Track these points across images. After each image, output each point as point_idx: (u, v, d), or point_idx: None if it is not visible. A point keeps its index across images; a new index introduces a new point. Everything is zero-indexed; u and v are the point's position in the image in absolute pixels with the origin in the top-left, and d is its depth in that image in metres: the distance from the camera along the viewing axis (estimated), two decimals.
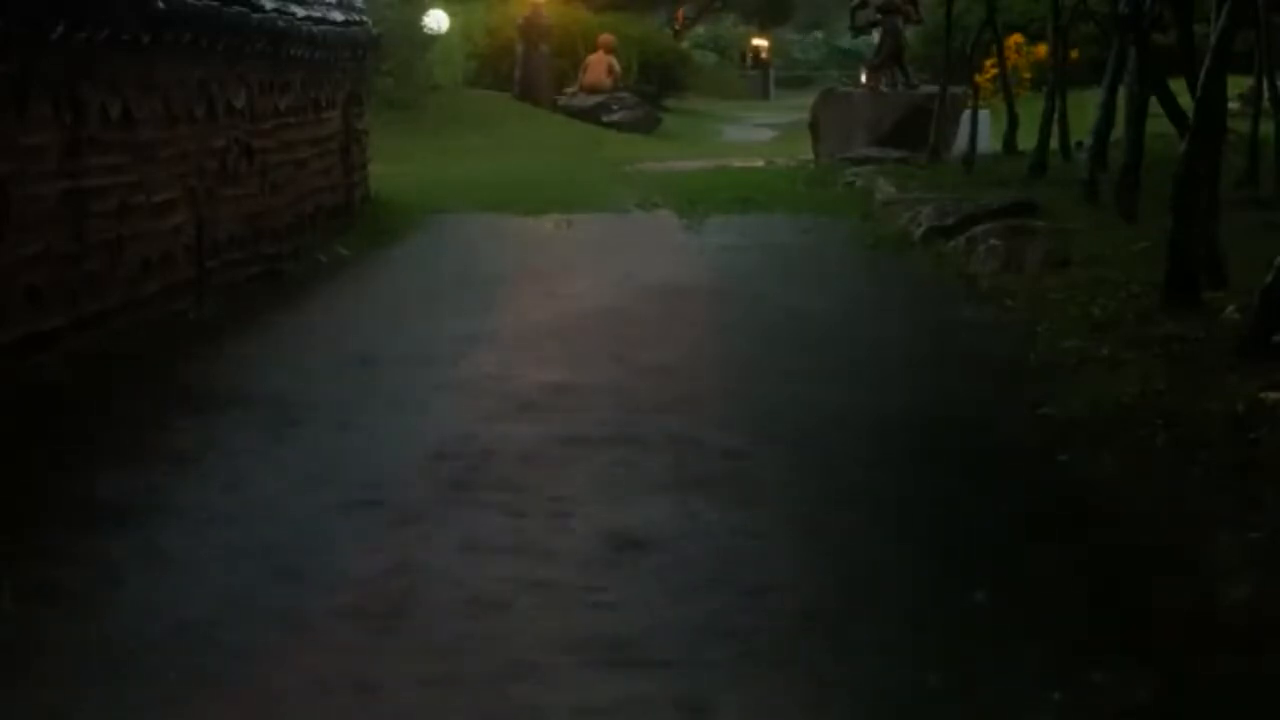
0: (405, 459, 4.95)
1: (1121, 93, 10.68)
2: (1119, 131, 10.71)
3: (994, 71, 17.28)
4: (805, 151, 17.10)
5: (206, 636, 3.45)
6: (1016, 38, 20.34)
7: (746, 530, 4.26)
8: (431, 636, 3.48)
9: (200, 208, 7.47)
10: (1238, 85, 11.03)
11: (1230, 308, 6.59)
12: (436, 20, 21.88)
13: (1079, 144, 13.11)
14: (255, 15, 8.05)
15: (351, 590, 3.75)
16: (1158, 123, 9.01)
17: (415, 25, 20.92)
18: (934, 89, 16.29)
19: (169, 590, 3.76)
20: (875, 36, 18.03)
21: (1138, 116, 9.65)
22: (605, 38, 24.57)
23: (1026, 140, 14.49)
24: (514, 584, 3.77)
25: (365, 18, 11.40)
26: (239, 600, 3.68)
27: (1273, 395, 5.09)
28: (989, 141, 15.88)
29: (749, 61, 45.67)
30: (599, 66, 23.91)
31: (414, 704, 3.14)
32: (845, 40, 34.53)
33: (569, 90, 23.97)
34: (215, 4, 7.35)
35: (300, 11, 9.16)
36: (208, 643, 3.42)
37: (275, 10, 8.48)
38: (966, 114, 15.50)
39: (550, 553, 4.05)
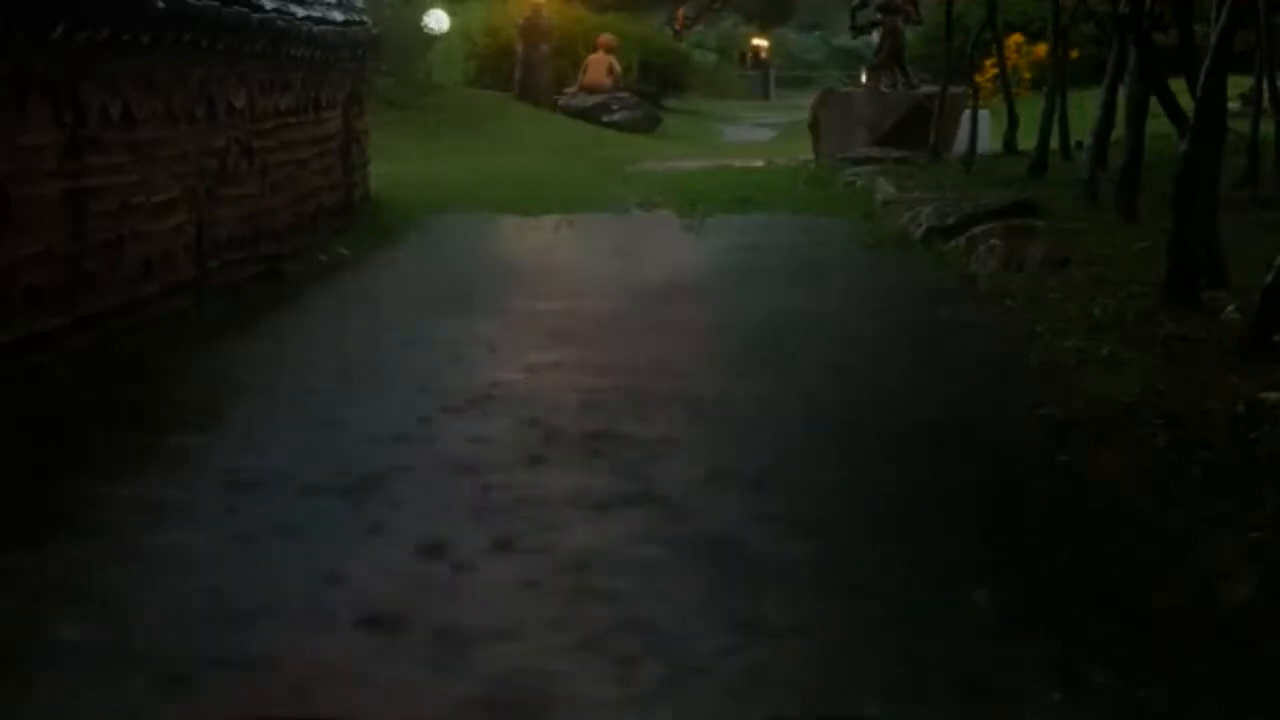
0: (404, 457, 4.96)
1: (1121, 93, 10.68)
2: (1119, 131, 10.72)
3: (994, 71, 17.29)
4: (805, 151, 17.11)
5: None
6: (1016, 38, 20.36)
7: (734, 536, 4.26)
8: None
9: (200, 208, 7.47)
10: (1238, 85, 11.03)
11: (1230, 308, 6.59)
12: (436, 20, 21.91)
13: (1079, 144, 13.11)
14: (255, 15, 8.05)
15: (345, 587, 3.76)
16: (1158, 123, 9.01)
17: (415, 25, 20.94)
18: (934, 89, 16.31)
19: (167, 590, 3.77)
20: (875, 36, 18.05)
21: (1138, 116, 9.66)
22: (605, 38, 24.58)
23: (1026, 140, 14.50)
24: None
25: (365, 18, 11.41)
26: (237, 607, 3.68)
27: (1273, 395, 5.09)
28: (989, 141, 15.88)
29: (749, 61, 45.68)
30: (599, 66, 23.92)
31: None
32: (845, 40, 34.55)
33: (569, 90, 23.97)
34: (215, 4, 7.35)
35: (300, 11, 9.16)
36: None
37: (275, 10, 8.48)
38: (966, 114, 15.51)
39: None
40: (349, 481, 4.65)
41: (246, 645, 3.38)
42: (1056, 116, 13.55)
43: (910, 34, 18.54)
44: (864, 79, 18.95)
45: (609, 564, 3.93)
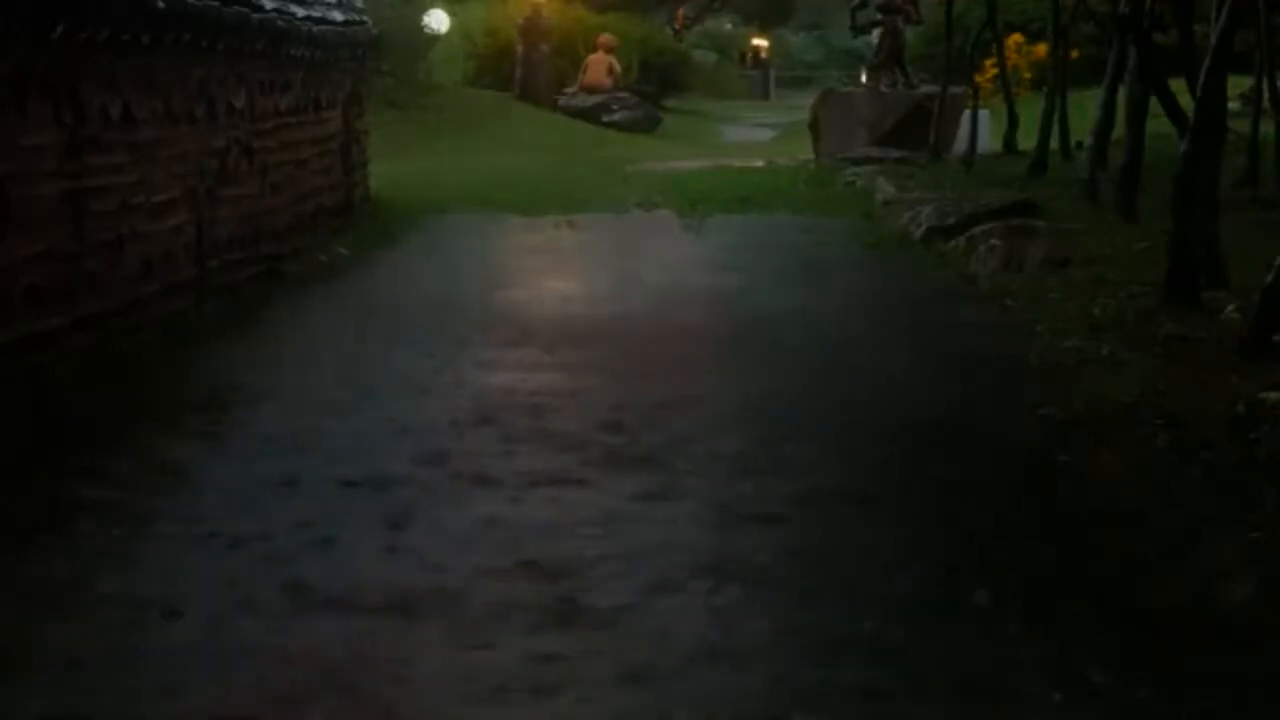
0: (401, 455, 4.96)
1: (1121, 93, 10.68)
2: (1119, 131, 10.72)
3: (994, 71, 17.29)
4: (805, 151, 17.11)
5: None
6: (1016, 38, 20.35)
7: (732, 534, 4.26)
8: None
9: (200, 208, 7.47)
10: (1238, 85, 11.03)
11: (1230, 308, 6.60)
12: (436, 20, 21.91)
13: (1079, 144, 13.11)
14: (255, 15, 8.05)
15: (353, 580, 3.77)
16: (1158, 123, 9.01)
17: (415, 25, 20.93)
18: (934, 89, 16.31)
19: (163, 593, 3.77)
20: (875, 36, 18.05)
21: (1138, 116, 9.66)
22: (605, 38, 24.58)
23: (1026, 140, 14.50)
24: None
25: (365, 18, 11.41)
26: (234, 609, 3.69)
27: (1273, 395, 5.09)
28: (989, 141, 15.88)
29: (749, 61, 45.68)
30: (599, 66, 23.91)
31: None
32: (846, 40, 34.55)
33: (569, 90, 23.97)
34: (215, 4, 7.35)
35: (300, 11, 9.16)
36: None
37: (275, 10, 8.48)
38: (966, 114, 15.51)
39: None
40: (348, 486, 4.65)
41: (237, 655, 3.38)
42: (1056, 116, 13.55)
43: (910, 34, 18.54)
44: (864, 79, 18.95)
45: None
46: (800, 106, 22.63)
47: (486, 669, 3.28)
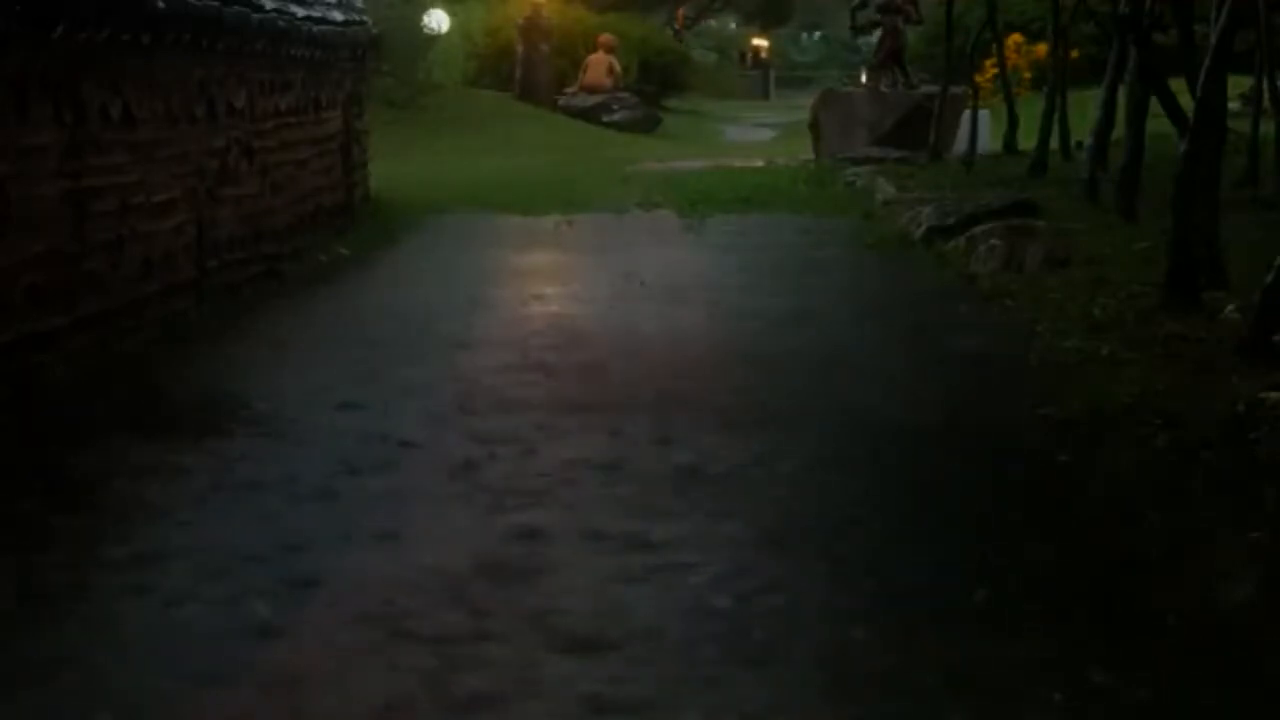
0: (406, 466, 4.96)
1: (1121, 92, 10.68)
2: (1119, 131, 10.72)
3: (994, 71, 17.31)
4: (805, 151, 17.12)
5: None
6: (1016, 37, 20.37)
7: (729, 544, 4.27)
8: None
9: (200, 208, 7.47)
10: (1238, 85, 11.03)
11: (1230, 308, 6.60)
12: (436, 20, 21.94)
13: (1079, 144, 13.11)
14: (255, 15, 8.06)
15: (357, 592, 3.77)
16: (1158, 123, 9.01)
17: (415, 25, 20.95)
18: (934, 89, 16.32)
19: (158, 598, 3.77)
20: (875, 36, 18.07)
21: (1138, 116, 9.66)
22: (605, 38, 24.61)
23: (1026, 140, 14.50)
24: None
25: (365, 18, 11.41)
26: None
27: (1273, 395, 5.09)
28: (989, 141, 15.89)
29: (749, 61, 45.73)
30: (599, 66, 23.93)
31: None
32: (846, 40, 34.59)
33: (569, 90, 23.99)
34: (215, 4, 7.35)
35: (300, 11, 9.16)
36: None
37: (275, 10, 8.48)
38: (966, 114, 15.52)
39: None
40: (347, 490, 4.65)
41: (235, 670, 3.37)
42: (1056, 116, 13.55)
43: (910, 34, 18.55)
44: (864, 79, 18.97)
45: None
46: (800, 106, 22.67)
47: None
